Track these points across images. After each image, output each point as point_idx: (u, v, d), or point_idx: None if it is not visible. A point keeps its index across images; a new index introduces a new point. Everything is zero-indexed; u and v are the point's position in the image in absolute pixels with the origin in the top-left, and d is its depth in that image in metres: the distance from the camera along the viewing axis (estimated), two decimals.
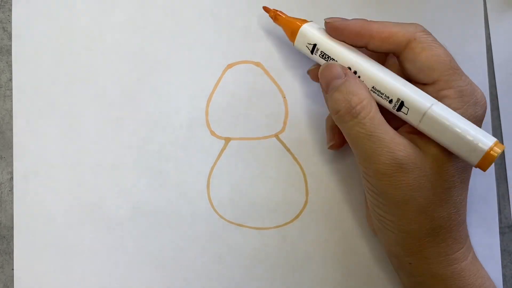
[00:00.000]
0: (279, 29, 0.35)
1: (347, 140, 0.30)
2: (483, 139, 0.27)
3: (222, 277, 0.35)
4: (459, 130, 0.27)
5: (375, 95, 0.29)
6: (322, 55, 0.31)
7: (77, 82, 0.34)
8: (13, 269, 0.33)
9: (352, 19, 0.30)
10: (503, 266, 0.36)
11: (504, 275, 0.36)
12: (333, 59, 0.30)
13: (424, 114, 0.27)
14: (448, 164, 0.28)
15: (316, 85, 0.36)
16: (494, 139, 0.27)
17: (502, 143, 0.37)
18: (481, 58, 0.37)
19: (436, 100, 0.28)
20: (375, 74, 0.29)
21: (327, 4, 0.36)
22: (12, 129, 0.34)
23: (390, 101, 0.29)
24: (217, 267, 0.35)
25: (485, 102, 0.30)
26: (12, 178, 0.34)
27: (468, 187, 0.31)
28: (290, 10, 0.36)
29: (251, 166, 0.35)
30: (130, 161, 0.34)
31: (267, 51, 0.35)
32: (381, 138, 0.28)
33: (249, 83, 0.35)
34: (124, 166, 0.34)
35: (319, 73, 0.31)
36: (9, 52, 0.34)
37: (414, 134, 0.29)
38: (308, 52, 0.31)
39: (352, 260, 0.36)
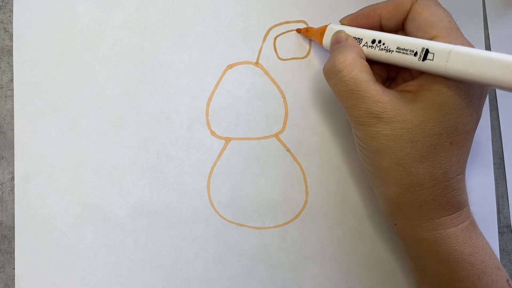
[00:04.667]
0: (278, 30, 0.36)
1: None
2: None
3: (222, 277, 0.35)
4: (488, 55, 0.27)
5: (399, 55, 0.30)
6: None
7: (77, 82, 0.34)
8: (14, 269, 0.33)
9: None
10: (502, 266, 0.36)
11: None
12: (359, 38, 0.32)
13: (450, 52, 0.28)
14: (435, 120, 0.29)
15: (315, 86, 0.36)
16: None
17: (501, 143, 0.37)
18: None
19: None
20: (396, 37, 0.31)
21: (327, 4, 0.36)
22: (13, 129, 0.34)
23: (415, 54, 0.29)
24: (217, 266, 0.35)
25: None
26: (13, 178, 0.34)
27: (464, 152, 0.30)
28: (290, 10, 0.36)
29: (251, 166, 0.35)
30: (130, 161, 0.34)
31: (267, 52, 0.36)
32: (361, 95, 0.29)
33: (249, 83, 0.35)
34: (124, 166, 0.34)
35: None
36: (10, 52, 0.34)
37: (406, 92, 0.30)
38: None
39: (352, 260, 0.36)
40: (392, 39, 0.31)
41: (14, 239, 0.33)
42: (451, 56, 0.28)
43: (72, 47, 0.34)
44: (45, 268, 0.34)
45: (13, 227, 0.34)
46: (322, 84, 0.36)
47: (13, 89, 0.34)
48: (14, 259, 0.33)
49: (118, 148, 0.34)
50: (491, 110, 0.37)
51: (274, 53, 0.36)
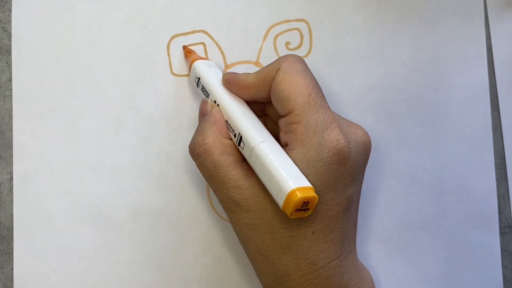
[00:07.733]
0: (278, 28, 0.36)
1: None
2: (291, 181, 0.25)
3: (222, 278, 0.35)
4: (273, 169, 0.26)
5: (230, 131, 0.29)
6: (203, 89, 0.32)
7: (77, 82, 0.34)
8: (12, 269, 0.33)
9: (241, 73, 0.31)
10: (503, 266, 0.36)
11: (504, 275, 0.36)
12: (208, 93, 0.31)
13: (252, 150, 0.27)
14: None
15: None
16: (307, 184, 0.25)
17: (502, 143, 0.37)
18: (481, 58, 0.37)
19: (272, 139, 0.28)
20: (228, 108, 0.29)
21: (327, 4, 0.36)
22: (12, 129, 0.34)
23: (235, 135, 0.28)
24: (217, 267, 0.35)
25: (342, 147, 0.26)
26: (12, 178, 0.34)
27: (335, 236, 0.27)
28: (290, 8, 0.36)
29: None
30: (130, 161, 0.34)
31: (267, 51, 0.35)
32: (221, 180, 0.28)
33: None
34: (124, 167, 0.34)
35: None
36: (8, 52, 0.34)
37: None
38: (195, 85, 0.33)
39: None
40: (224, 109, 0.29)
41: (12, 239, 0.33)
42: (252, 155, 0.27)
43: (72, 47, 0.34)
44: (44, 268, 0.33)
45: (12, 228, 0.33)
46: (321, 83, 0.36)
47: (11, 89, 0.34)
48: (12, 259, 0.33)
49: (117, 148, 0.34)
50: (492, 110, 0.37)
51: (275, 52, 0.36)
